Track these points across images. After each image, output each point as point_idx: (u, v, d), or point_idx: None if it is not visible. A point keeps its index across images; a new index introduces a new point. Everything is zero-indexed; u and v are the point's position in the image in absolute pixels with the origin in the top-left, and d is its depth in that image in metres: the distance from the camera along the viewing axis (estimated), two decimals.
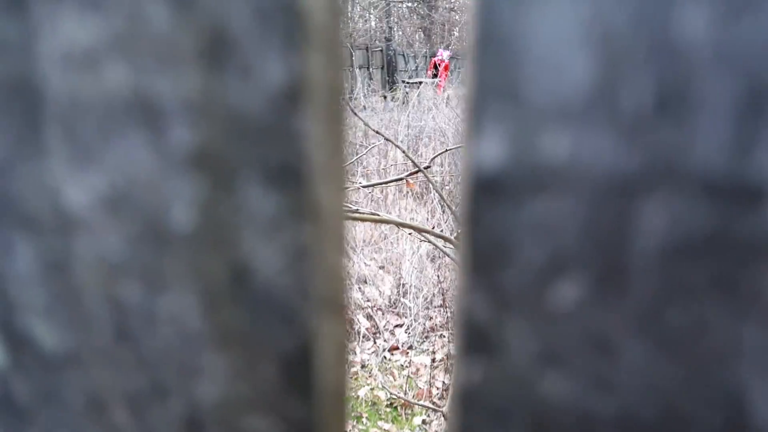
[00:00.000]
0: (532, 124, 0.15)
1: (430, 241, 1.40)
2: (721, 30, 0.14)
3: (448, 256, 1.43)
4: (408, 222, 1.39)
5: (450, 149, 2.05)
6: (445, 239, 1.37)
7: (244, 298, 0.19)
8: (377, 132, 1.73)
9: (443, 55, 10.27)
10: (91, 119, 0.18)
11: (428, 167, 1.88)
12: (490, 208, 0.16)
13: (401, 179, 1.88)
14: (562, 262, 0.16)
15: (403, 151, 1.72)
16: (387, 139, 1.76)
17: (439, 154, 2.39)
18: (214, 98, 0.17)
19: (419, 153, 5.96)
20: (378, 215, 1.28)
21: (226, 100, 0.17)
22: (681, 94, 0.15)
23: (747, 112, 0.15)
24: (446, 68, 10.04)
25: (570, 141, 0.15)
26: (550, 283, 0.17)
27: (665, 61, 0.14)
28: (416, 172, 1.84)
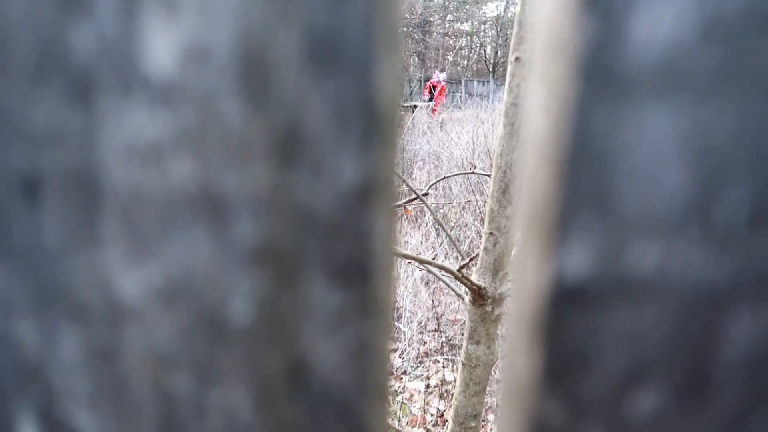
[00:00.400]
0: (622, 236, 0.15)
1: (431, 272, 1.39)
2: None
3: (453, 290, 1.42)
4: (414, 255, 1.38)
5: (447, 176, 2.06)
6: (447, 270, 1.36)
7: (301, 393, 0.18)
8: None
9: (439, 77, 10.37)
10: (151, 212, 0.17)
11: (426, 194, 1.89)
12: (572, 317, 0.16)
13: (400, 206, 1.88)
14: (643, 372, 0.16)
15: (403, 180, 1.72)
16: None
17: (436, 182, 2.39)
18: (282, 194, 0.16)
19: (414, 177, 5.98)
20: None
21: (295, 197, 0.16)
22: None
23: None
24: (442, 91, 10.13)
25: (659, 253, 0.15)
26: (629, 392, 0.16)
27: (763, 175, 0.14)
28: (414, 199, 1.84)
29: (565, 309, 0.16)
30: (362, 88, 0.15)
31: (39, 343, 0.19)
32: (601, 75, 0.14)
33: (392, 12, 0.15)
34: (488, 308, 1.47)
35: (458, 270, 1.35)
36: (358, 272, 0.17)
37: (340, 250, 0.17)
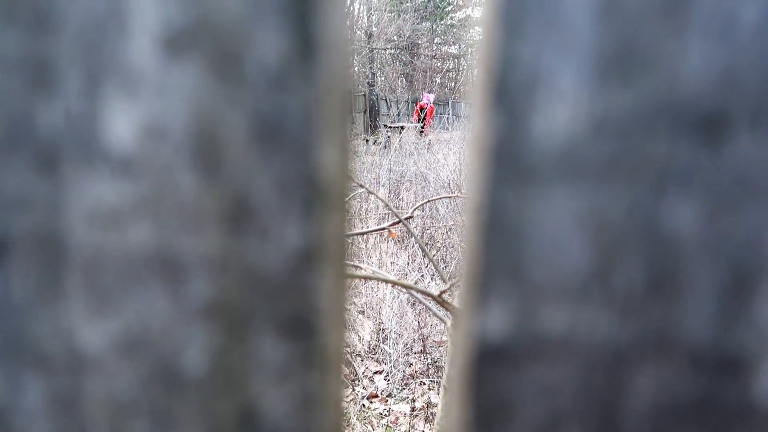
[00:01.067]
0: (534, 301, 0.16)
1: (417, 298, 1.40)
2: (707, 224, 0.16)
3: (436, 315, 1.43)
4: (400, 281, 1.39)
5: (432, 200, 2.08)
6: (429, 295, 1.38)
7: None
8: (360, 185, 1.75)
9: (429, 99, 10.46)
10: (112, 271, 0.18)
11: (410, 217, 1.90)
12: (493, 372, 0.17)
13: (383, 229, 1.90)
14: (559, 421, 0.17)
15: (386, 204, 1.74)
16: (369, 192, 1.79)
17: (421, 205, 2.41)
18: (233, 257, 0.18)
19: (401, 197, 6.01)
20: (372, 273, 1.28)
21: (244, 259, 0.18)
22: (670, 277, 0.16)
23: (729, 294, 0.16)
24: (431, 112, 10.23)
25: (568, 315, 0.16)
26: None
27: (655, 248, 0.16)
28: (397, 223, 1.86)
29: (488, 365, 0.17)
30: (305, 164, 0.17)
31: (3, 390, 0.20)
32: (508, 161, 0.15)
33: (334, 102, 0.17)
34: None
35: (439, 295, 1.37)
36: (304, 328, 0.18)
37: (286, 307, 0.18)
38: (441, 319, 1.63)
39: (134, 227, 0.18)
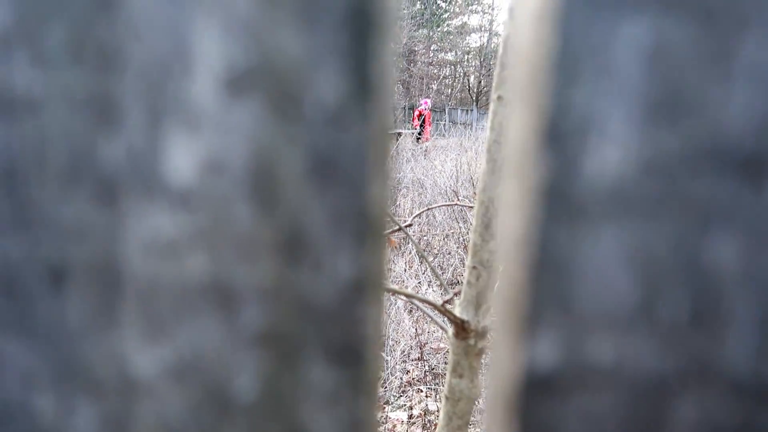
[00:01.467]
0: (582, 332, 0.17)
1: (419, 307, 1.41)
2: (748, 259, 0.16)
3: (437, 323, 1.43)
4: (399, 289, 1.40)
5: (431, 207, 2.09)
6: (432, 304, 1.38)
7: None
8: None
9: (427, 104, 10.48)
10: (167, 299, 0.19)
11: (409, 225, 1.91)
12: (540, 401, 0.18)
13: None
14: None
15: (386, 213, 1.74)
16: None
17: (420, 213, 2.42)
18: (286, 287, 0.19)
19: (398, 204, 6.02)
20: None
21: (297, 289, 0.19)
22: (712, 310, 0.17)
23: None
24: (428, 118, 10.25)
25: (614, 347, 0.17)
26: None
27: (699, 282, 0.17)
28: (397, 230, 1.87)
29: (535, 394, 0.18)
30: (357, 199, 0.18)
31: (56, 414, 0.21)
32: (559, 200, 0.16)
33: (384, 139, 0.17)
34: (471, 342, 1.49)
35: (442, 304, 1.37)
36: (353, 355, 0.19)
37: (337, 335, 0.19)
38: (442, 328, 1.63)
39: (191, 257, 0.19)
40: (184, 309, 0.19)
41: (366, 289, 0.19)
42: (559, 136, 0.16)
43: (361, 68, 0.17)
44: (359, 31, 0.16)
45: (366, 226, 0.18)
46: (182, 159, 0.18)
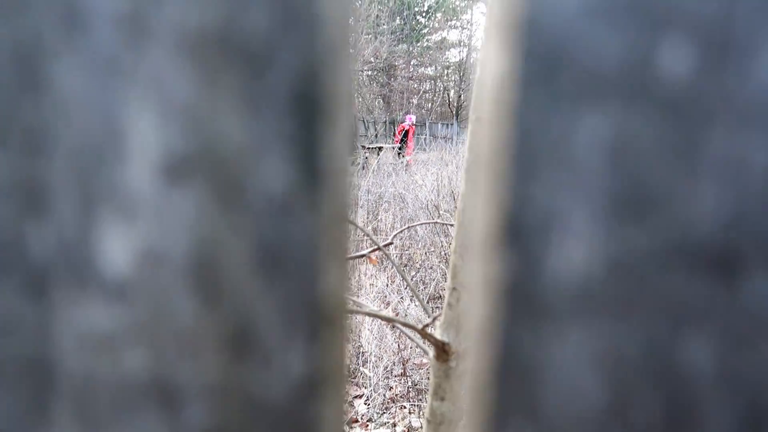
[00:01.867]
0: None
1: (401, 330, 1.39)
2: (723, 361, 0.15)
3: (419, 345, 1.42)
4: (378, 312, 1.38)
5: (412, 225, 2.08)
6: (412, 327, 1.37)
7: None
8: None
9: (411, 119, 10.49)
10: (103, 397, 0.17)
11: (389, 244, 1.90)
12: None
13: (363, 255, 1.89)
14: None
15: (366, 233, 1.73)
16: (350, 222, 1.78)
17: (401, 231, 2.42)
18: (233, 384, 0.17)
19: (379, 218, 6.01)
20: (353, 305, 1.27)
21: (245, 387, 0.17)
22: (687, 413, 0.16)
23: (745, 427, 0.16)
24: (412, 133, 10.27)
25: None
26: None
27: (672, 385, 0.16)
28: (377, 250, 1.85)
29: None
30: (309, 291, 0.16)
31: None
32: (522, 298, 0.15)
33: (338, 228, 0.16)
34: (452, 364, 1.48)
35: (422, 328, 1.36)
36: None
37: None
38: (424, 350, 1.62)
39: (128, 353, 0.17)
40: (121, 408, 0.18)
41: (320, 385, 0.17)
42: (521, 231, 0.15)
43: (309, 155, 0.16)
44: (306, 116, 0.15)
45: (320, 319, 0.17)
46: (117, 248, 0.16)
